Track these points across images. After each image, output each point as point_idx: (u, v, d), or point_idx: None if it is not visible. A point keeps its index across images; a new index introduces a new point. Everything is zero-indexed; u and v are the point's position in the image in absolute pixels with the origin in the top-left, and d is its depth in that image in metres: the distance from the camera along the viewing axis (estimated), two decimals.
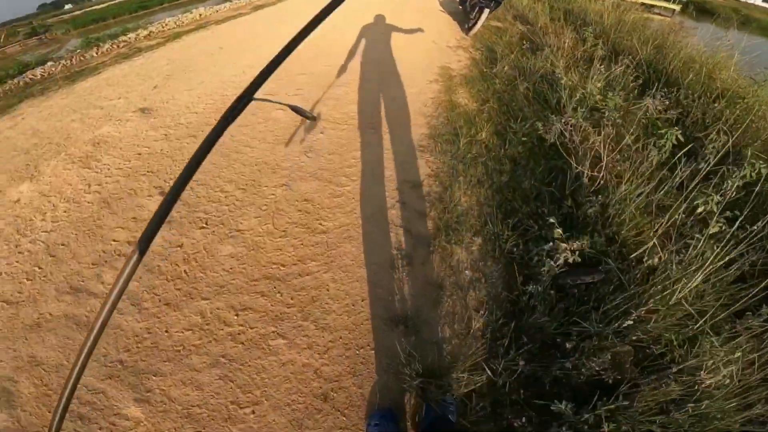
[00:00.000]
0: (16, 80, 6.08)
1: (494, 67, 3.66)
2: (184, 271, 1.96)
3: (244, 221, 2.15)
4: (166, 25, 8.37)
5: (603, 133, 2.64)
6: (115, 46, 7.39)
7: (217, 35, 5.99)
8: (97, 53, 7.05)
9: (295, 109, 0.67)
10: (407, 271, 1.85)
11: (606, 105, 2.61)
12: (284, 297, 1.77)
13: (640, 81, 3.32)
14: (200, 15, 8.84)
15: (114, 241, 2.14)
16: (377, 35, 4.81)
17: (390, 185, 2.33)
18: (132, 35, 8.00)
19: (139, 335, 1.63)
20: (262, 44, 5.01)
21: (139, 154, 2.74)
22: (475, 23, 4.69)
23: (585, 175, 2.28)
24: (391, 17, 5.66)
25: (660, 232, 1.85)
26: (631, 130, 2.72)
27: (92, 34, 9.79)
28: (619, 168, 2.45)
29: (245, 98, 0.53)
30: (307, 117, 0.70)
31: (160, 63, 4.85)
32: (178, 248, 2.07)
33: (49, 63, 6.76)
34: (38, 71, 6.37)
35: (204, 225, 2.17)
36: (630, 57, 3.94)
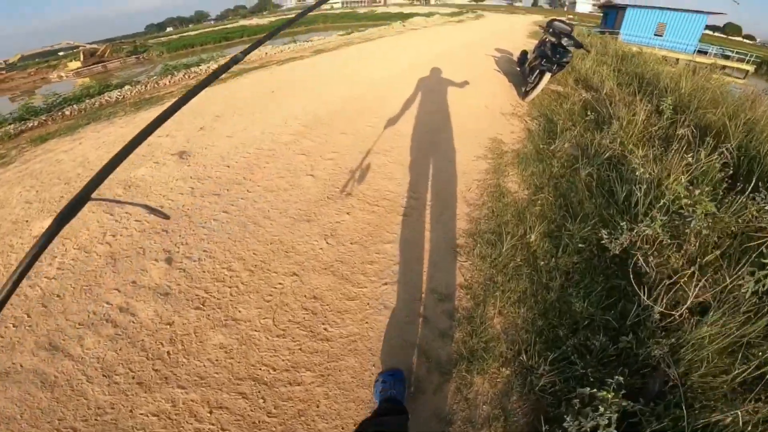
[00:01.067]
0: (93, 100, 6.63)
1: (552, 143, 3.30)
2: (168, 352, 1.74)
3: (244, 310, 1.91)
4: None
5: (685, 250, 2.16)
6: (186, 76, 8.01)
7: (275, 77, 6.22)
8: (169, 81, 7.66)
9: (148, 209, 0.61)
10: (414, 399, 1.51)
11: (693, 210, 2.13)
12: (267, 404, 1.52)
13: (729, 171, 2.75)
14: (266, 53, 9.47)
15: (107, 303, 1.99)
16: (427, 94, 4.68)
17: (414, 293, 1.99)
18: (203, 66, 8.67)
19: (102, 408, 1.51)
20: (310, 92, 5.07)
21: (161, 206, 2.66)
22: (534, 88, 4.40)
23: (655, 308, 1.81)
24: (444, 75, 5.57)
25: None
26: (720, 243, 2.21)
27: (177, 60, 10.80)
28: (701, 298, 1.95)
29: (81, 200, 0.41)
30: (160, 215, 0.61)
31: (215, 101, 5.05)
32: (168, 326, 1.87)
33: (127, 87, 7.39)
34: (114, 94, 6.93)
35: (200, 305, 1.96)
36: (715, 136, 3.44)
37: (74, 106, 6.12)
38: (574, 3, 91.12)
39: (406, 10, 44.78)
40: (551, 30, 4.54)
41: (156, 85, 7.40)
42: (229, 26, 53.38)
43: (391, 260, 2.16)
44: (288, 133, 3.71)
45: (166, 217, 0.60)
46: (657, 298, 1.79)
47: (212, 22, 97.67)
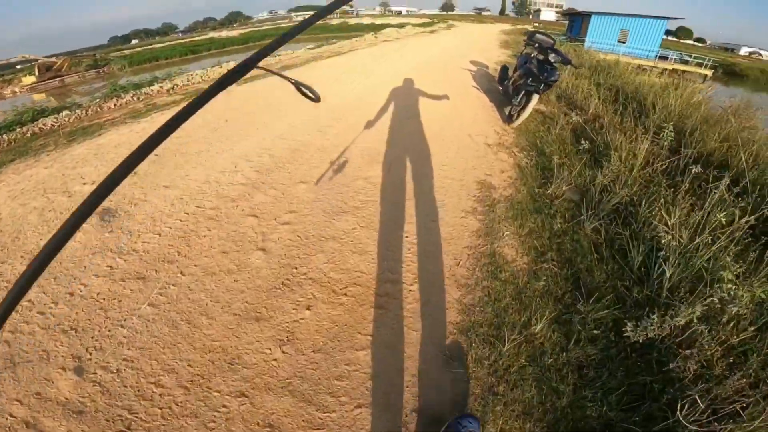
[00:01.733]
0: (26, 128, 5.76)
1: (548, 185, 2.85)
2: None
3: None
4: (192, 78, 8.30)
5: (720, 336, 1.74)
6: (135, 98, 7.23)
7: (231, 102, 5.59)
8: (114, 104, 6.85)
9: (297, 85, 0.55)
10: None
11: (735, 293, 1.70)
12: None
13: (750, 219, 2.35)
14: (227, 71, 8.78)
15: (10, 416, 1.38)
16: (402, 123, 4.17)
17: (395, 419, 1.44)
18: (156, 87, 7.89)
19: None
20: (268, 123, 4.47)
21: (70, 292, 2.00)
22: (521, 111, 3.97)
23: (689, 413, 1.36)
24: (420, 96, 5.09)
25: None
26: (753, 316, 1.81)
27: (129, 79, 9.91)
28: (744, 402, 1.52)
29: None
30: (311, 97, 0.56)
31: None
32: None
33: (65, 112, 6.53)
34: (50, 121, 6.07)
35: (125, 429, 1.35)
36: (719, 166, 3.11)
37: (3, 136, 5.25)
38: (539, 11, 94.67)
39: (378, 21, 44.97)
40: (537, 45, 4.13)
41: (99, 109, 6.58)
42: (196, 39, 51.88)
43: (365, 373, 1.60)
44: (237, 182, 3.08)
45: (317, 99, 0.56)
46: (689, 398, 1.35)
47: (180, 34, 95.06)
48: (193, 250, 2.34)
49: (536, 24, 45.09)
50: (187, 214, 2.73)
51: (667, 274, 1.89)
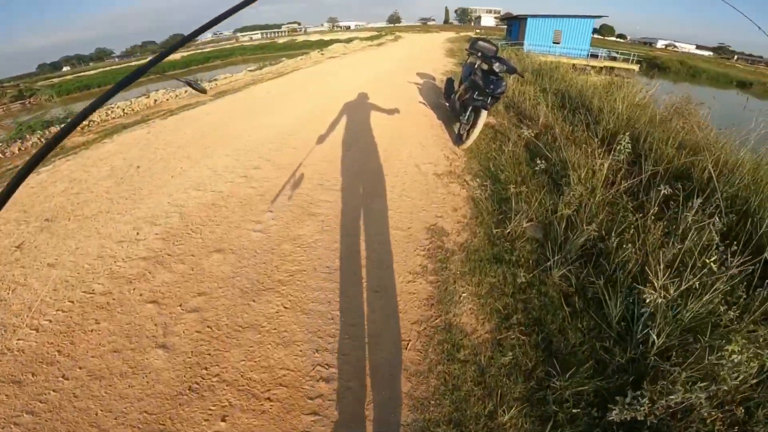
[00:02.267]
0: None
1: (506, 222, 2.51)
2: None
3: None
4: (112, 112, 7.39)
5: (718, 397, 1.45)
6: (42, 140, 6.27)
7: (150, 141, 4.90)
8: (19, 149, 5.87)
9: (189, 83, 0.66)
10: None
11: (738, 360, 1.40)
12: None
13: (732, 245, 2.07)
14: (155, 101, 7.96)
15: None
16: (341, 157, 3.74)
17: None
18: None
19: None
20: (186, 168, 3.86)
21: None
22: (470, 131, 3.67)
23: None
24: (362, 120, 4.68)
25: None
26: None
27: (70, 105, 8.70)
28: None
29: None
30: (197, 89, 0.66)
31: (53, 188, 3.63)
32: None
33: None
34: None
35: None
36: (679, 176, 2.96)
37: None
38: (479, 18, 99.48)
39: (327, 37, 44.87)
40: (480, 54, 3.84)
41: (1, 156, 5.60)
42: (134, 63, 48.94)
43: None
44: (137, 255, 2.47)
45: (204, 91, 0.68)
46: None
47: (116, 59, 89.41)
48: (78, 348, 1.77)
49: (478, 31, 47.15)
50: (72, 302, 2.11)
51: (653, 337, 1.58)
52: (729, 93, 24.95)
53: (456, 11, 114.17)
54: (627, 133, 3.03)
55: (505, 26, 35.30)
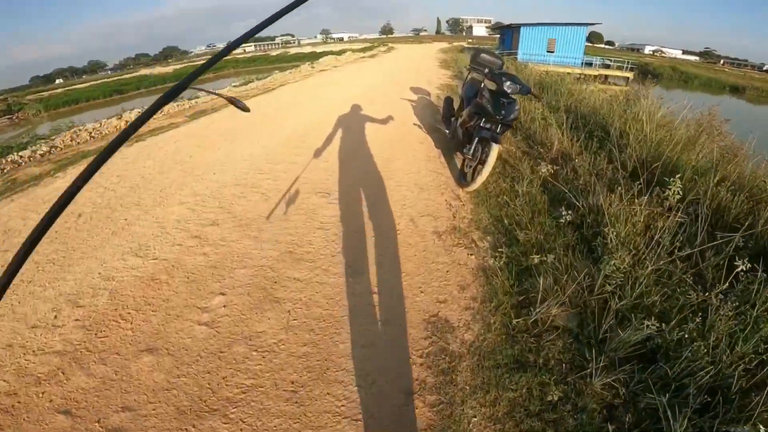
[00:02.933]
0: None
1: (530, 307, 1.86)
2: None
3: None
4: (78, 136, 6.69)
5: None
6: (11, 164, 5.59)
7: (106, 175, 4.24)
8: None
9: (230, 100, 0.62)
10: None
11: None
12: None
13: None
14: (126, 122, 7.30)
15: None
16: (314, 214, 3.08)
17: None
18: (28, 151, 6.22)
19: None
20: (138, 219, 3.18)
21: None
22: (477, 167, 3.02)
23: None
24: (346, 156, 4.00)
25: None
26: None
27: (57, 121, 8.00)
28: None
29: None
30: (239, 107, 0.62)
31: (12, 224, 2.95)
32: None
33: None
34: None
35: None
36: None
37: None
38: (471, 27, 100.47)
39: (320, 49, 44.65)
40: (486, 70, 3.18)
41: None
42: (125, 77, 48.37)
43: None
44: (51, 347, 1.79)
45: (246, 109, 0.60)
46: None
47: (109, 72, 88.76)
48: None
49: (470, 41, 47.17)
50: None
51: None
52: (729, 100, 24.73)
53: (447, 21, 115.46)
54: (678, 175, 2.40)
55: (498, 35, 35.21)
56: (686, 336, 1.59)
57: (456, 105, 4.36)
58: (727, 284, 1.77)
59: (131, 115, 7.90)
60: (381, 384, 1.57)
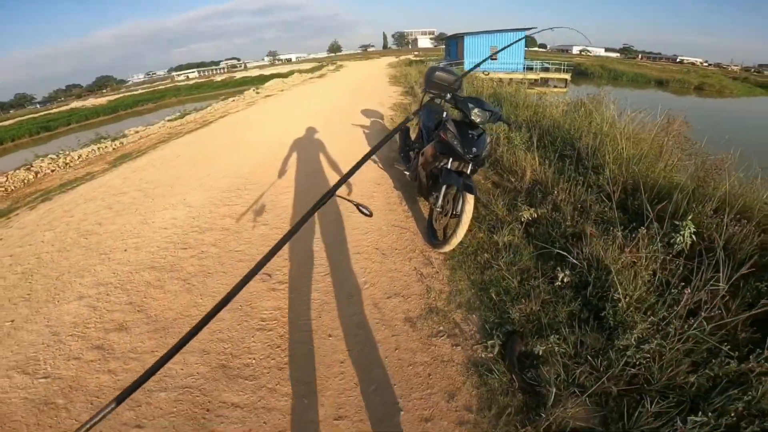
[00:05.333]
0: None
1: (539, 414, 1.34)
2: None
3: None
4: None
5: None
6: None
7: (26, 240, 3.29)
8: None
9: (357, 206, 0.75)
10: None
11: None
12: None
13: None
14: (36, 175, 6.08)
15: None
16: (246, 317, 2.41)
17: None
18: None
19: None
20: (20, 325, 2.33)
21: None
22: (449, 222, 2.51)
23: None
24: (285, 195, 3.33)
25: None
26: None
27: None
28: None
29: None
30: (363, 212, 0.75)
31: None
32: None
33: None
34: None
35: None
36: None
37: None
38: (416, 40, 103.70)
39: (267, 71, 43.43)
40: (449, 96, 2.42)
41: None
42: (54, 110, 43.98)
43: None
44: None
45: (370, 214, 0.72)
46: None
47: (38, 105, 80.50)
48: None
49: (416, 53, 48.22)
50: None
51: None
52: (658, 94, 26.88)
53: (393, 36, 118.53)
54: (690, 217, 2.01)
55: (443, 46, 36.28)
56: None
57: (413, 135, 3.86)
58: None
59: (43, 164, 6.69)
60: None
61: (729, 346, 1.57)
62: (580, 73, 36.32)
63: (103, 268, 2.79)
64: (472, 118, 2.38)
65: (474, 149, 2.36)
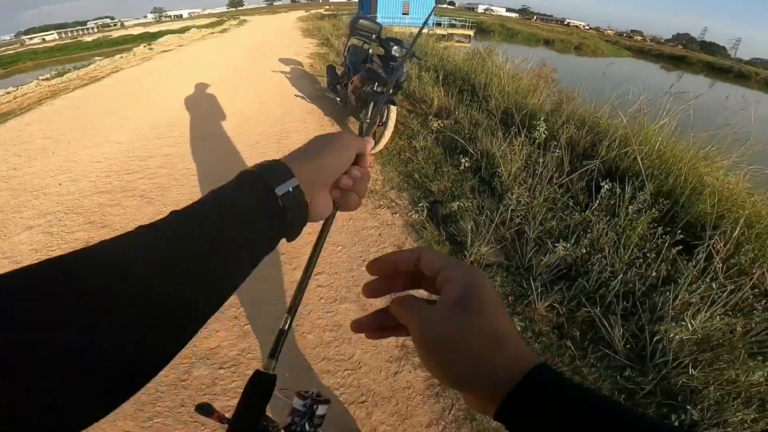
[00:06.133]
0: None
1: (464, 253, 2.01)
2: None
3: None
4: None
5: None
6: None
7: None
8: None
9: None
10: None
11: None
12: None
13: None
14: None
15: None
16: None
17: None
18: None
19: None
20: None
21: None
22: (376, 129, 3.00)
23: None
24: (235, 120, 3.51)
25: None
26: None
27: None
28: None
29: None
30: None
31: None
32: None
33: None
34: None
35: None
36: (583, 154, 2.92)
37: None
38: None
39: (153, 29, 37.10)
40: (374, 36, 3.20)
41: None
42: None
43: None
44: None
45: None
46: None
47: None
48: None
49: (327, 7, 45.74)
50: None
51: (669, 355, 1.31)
52: (544, 51, 30.18)
53: None
54: (542, 118, 2.82)
55: (356, 0, 35.06)
56: (584, 251, 1.94)
57: (339, 71, 4.24)
58: (596, 202, 2.21)
59: None
60: None
61: (573, 201, 2.41)
62: (483, 30, 38.77)
63: (42, 202, 2.72)
64: (393, 53, 2.99)
65: (395, 75, 2.90)
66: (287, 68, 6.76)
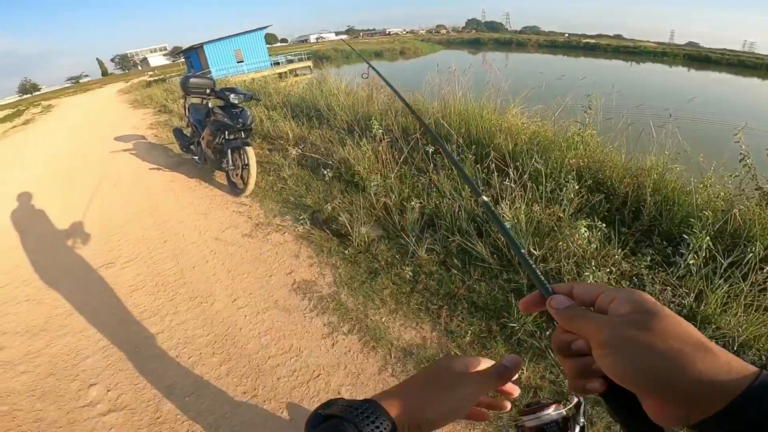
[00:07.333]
0: None
1: (350, 240, 2.50)
2: None
3: None
4: None
5: None
6: None
7: None
8: None
9: None
10: None
11: None
12: None
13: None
14: None
15: None
16: None
17: None
18: None
19: None
20: None
21: None
22: (243, 175, 3.32)
23: None
24: (94, 215, 3.28)
25: None
26: None
27: None
28: None
29: None
30: None
31: None
32: None
33: None
34: None
35: None
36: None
37: None
38: (145, 59, 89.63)
39: None
40: (208, 91, 3.51)
41: None
42: None
43: None
44: None
45: None
46: None
47: None
48: None
49: (150, 73, 42.24)
50: None
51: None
52: (377, 64, 34.00)
53: (113, 60, 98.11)
54: (373, 117, 3.54)
55: (183, 60, 33.36)
56: (436, 202, 2.60)
57: (188, 132, 4.32)
58: (432, 164, 2.96)
59: None
60: None
61: (416, 169, 3.12)
62: (320, 57, 41.36)
63: None
64: (232, 100, 3.28)
65: (240, 120, 3.25)
66: (130, 144, 6.34)
